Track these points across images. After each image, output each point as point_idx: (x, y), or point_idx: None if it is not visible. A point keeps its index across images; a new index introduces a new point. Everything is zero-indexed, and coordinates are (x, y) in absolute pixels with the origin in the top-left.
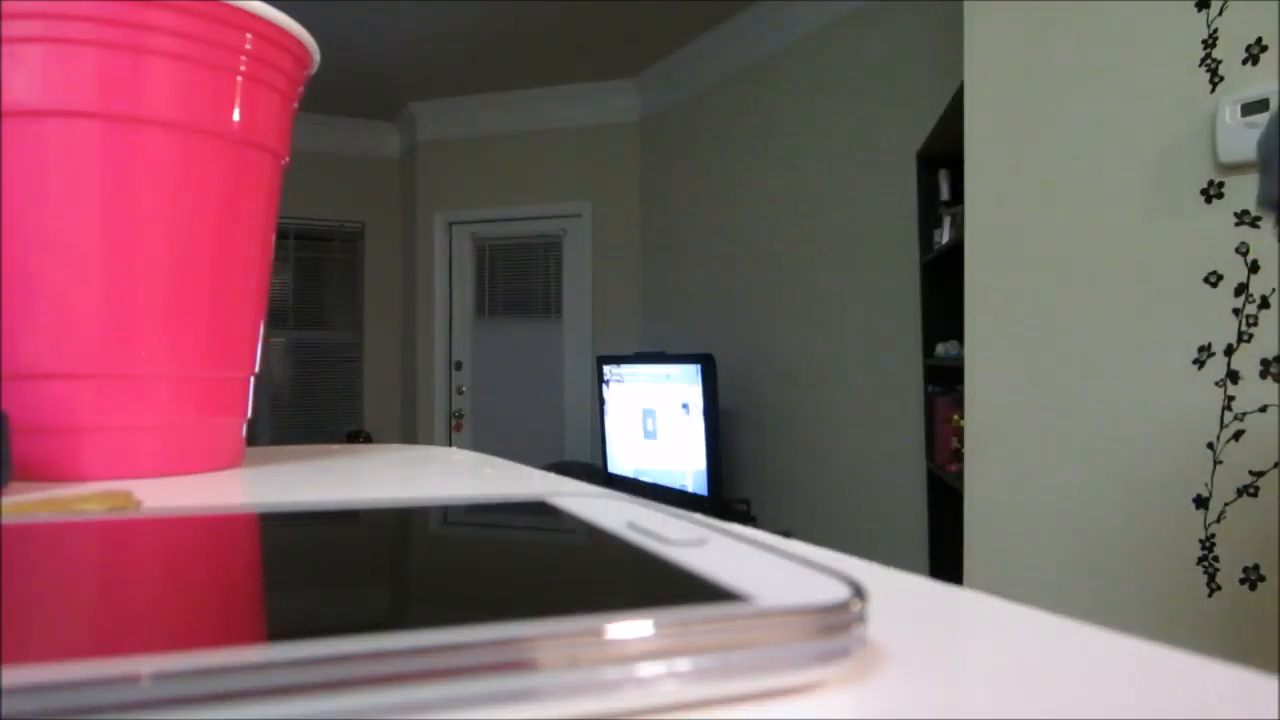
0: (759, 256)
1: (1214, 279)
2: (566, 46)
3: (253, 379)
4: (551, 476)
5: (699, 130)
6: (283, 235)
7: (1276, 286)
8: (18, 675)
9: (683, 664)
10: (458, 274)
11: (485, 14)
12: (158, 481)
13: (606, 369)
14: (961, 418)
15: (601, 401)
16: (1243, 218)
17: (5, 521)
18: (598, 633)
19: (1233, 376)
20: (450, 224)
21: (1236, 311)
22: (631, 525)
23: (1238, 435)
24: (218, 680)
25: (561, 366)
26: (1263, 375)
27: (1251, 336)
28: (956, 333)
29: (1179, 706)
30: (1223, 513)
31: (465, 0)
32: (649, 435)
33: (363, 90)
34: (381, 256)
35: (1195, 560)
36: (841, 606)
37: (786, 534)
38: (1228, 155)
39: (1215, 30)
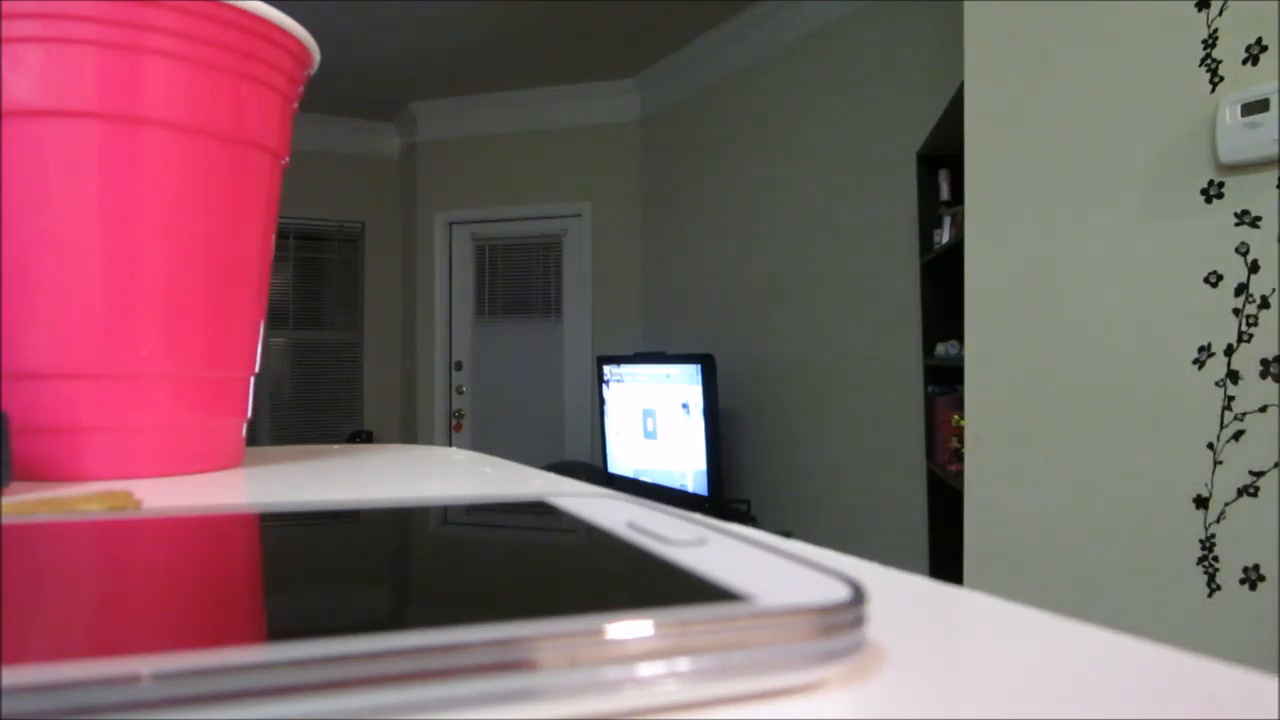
0: (759, 256)
1: (1214, 279)
2: (566, 46)
3: (253, 379)
4: (551, 476)
5: (699, 130)
6: (283, 235)
7: (1276, 286)
8: (18, 675)
9: (683, 664)
10: (458, 274)
11: (485, 14)
12: (158, 481)
13: (606, 369)
14: (961, 418)
15: (601, 401)
16: (1243, 218)
17: (5, 521)
18: (598, 633)
19: (1233, 376)
20: (450, 224)
21: (1236, 311)
22: (631, 525)
23: (1238, 435)
24: (218, 680)
25: (561, 366)
26: (1263, 375)
27: (1251, 336)
28: (956, 333)
29: (1179, 706)
30: (1223, 513)
31: (465, 0)
32: (649, 435)
33: (363, 90)
34: (381, 256)
35: (1195, 560)
36: (841, 606)
37: (786, 534)
38: (1228, 155)
39: (1215, 30)
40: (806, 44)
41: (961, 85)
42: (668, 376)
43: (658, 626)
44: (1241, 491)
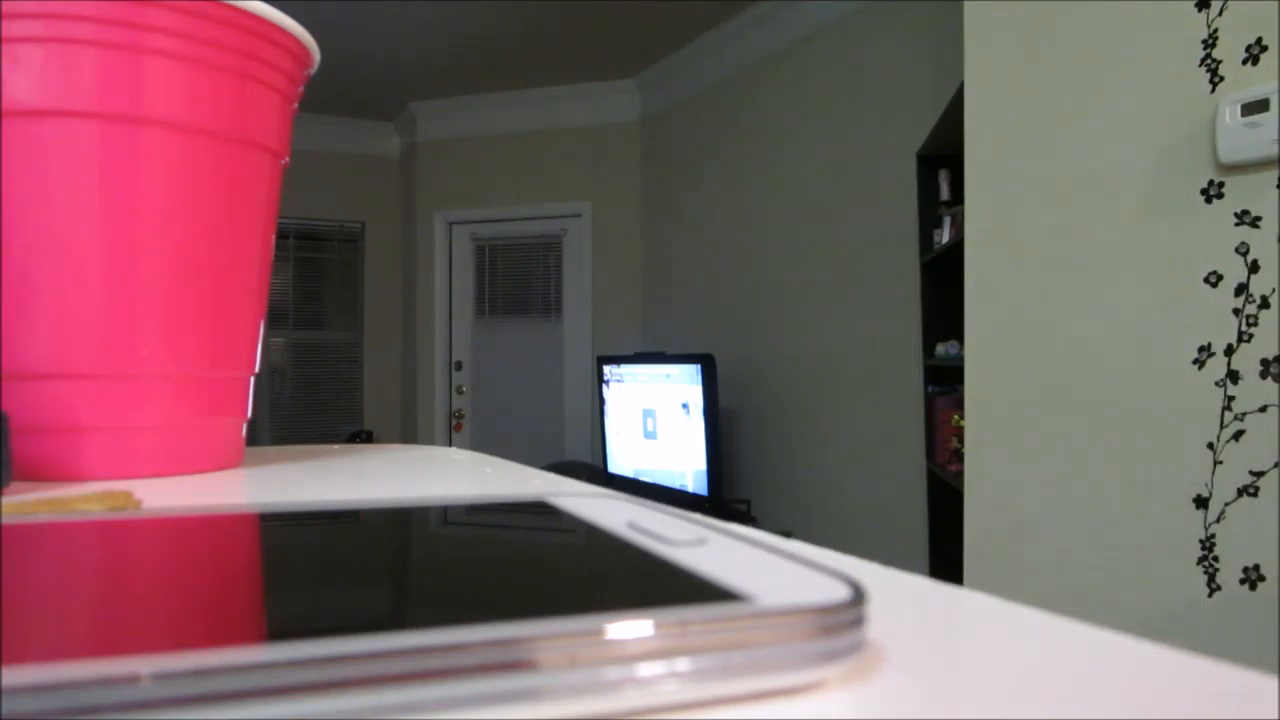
0: (759, 256)
1: (1214, 279)
2: (566, 46)
3: (253, 379)
4: (551, 476)
5: (699, 130)
6: (283, 235)
7: (1276, 286)
8: (18, 675)
9: (683, 664)
10: (458, 274)
11: (485, 14)
12: (158, 481)
13: (606, 369)
14: (961, 418)
15: (601, 401)
16: (1243, 218)
17: (5, 521)
18: (598, 633)
19: (1233, 376)
20: (450, 224)
21: (1236, 311)
22: (631, 525)
23: (1238, 435)
24: (218, 680)
25: (561, 366)
26: (1263, 375)
27: (1251, 336)
28: (956, 333)
29: (1179, 706)
30: (1223, 513)
31: (466, 0)
32: (649, 435)
33: (363, 90)
34: (381, 256)
35: (1195, 560)
36: (841, 606)
37: (786, 534)
38: (1228, 155)
39: (1215, 30)
40: (806, 44)
41: (961, 85)
42: (668, 376)
43: (658, 626)
44: (1241, 491)
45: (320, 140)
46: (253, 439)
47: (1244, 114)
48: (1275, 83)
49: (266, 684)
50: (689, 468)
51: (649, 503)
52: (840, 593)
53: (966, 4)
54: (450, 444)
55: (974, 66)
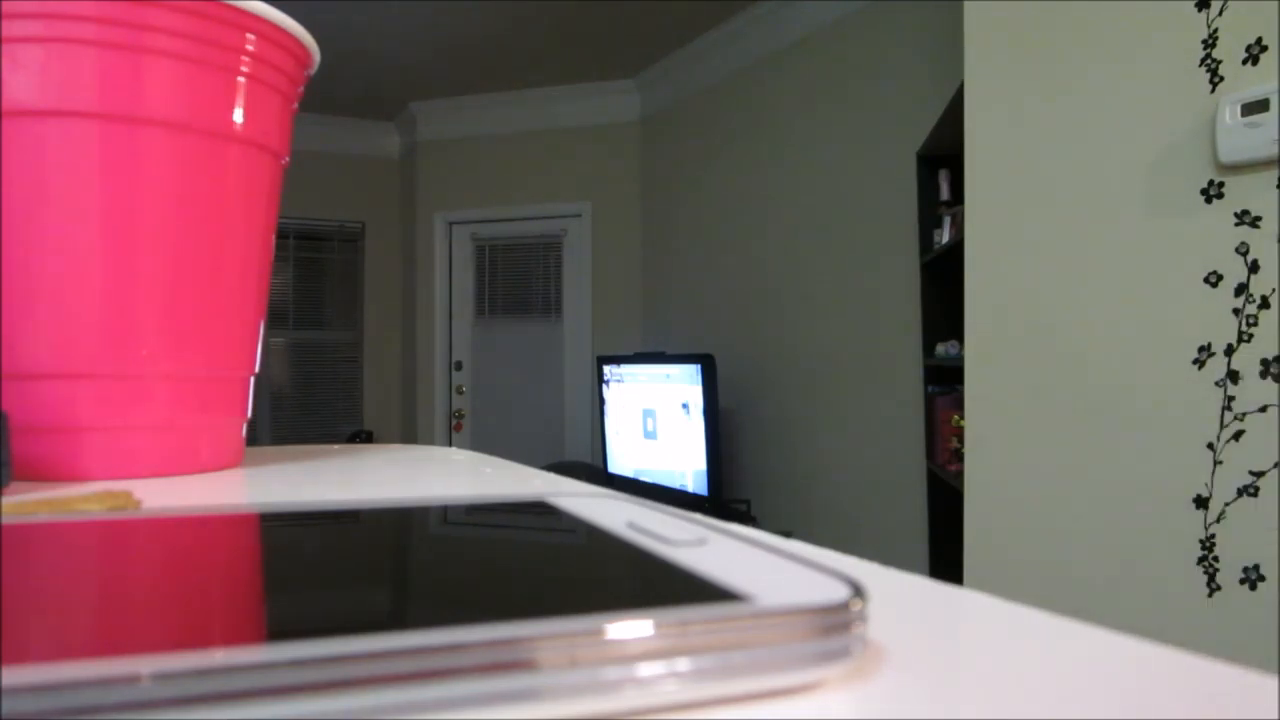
0: (759, 256)
1: (1214, 279)
2: (566, 46)
3: (253, 379)
4: (551, 476)
5: (699, 130)
6: (283, 235)
7: (1276, 286)
8: (18, 675)
9: (683, 664)
10: (458, 274)
11: (485, 14)
12: (158, 481)
13: (606, 369)
14: (961, 418)
15: (601, 401)
16: (1243, 218)
17: (5, 521)
18: (598, 633)
19: (1233, 376)
20: (450, 224)
21: (1236, 311)
22: (631, 525)
23: (1238, 435)
24: (218, 680)
25: (561, 366)
26: (1263, 375)
27: (1251, 336)
28: (956, 333)
29: (1179, 706)
30: (1223, 513)
31: (465, 0)
32: (649, 435)
33: (363, 90)
34: (381, 256)
35: (1195, 560)
36: (842, 606)
37: (786, 534)
38: (1228, 155)
39: (1215, 30)
40: (806, 44)
41: (961, 85)
42: (668, 376)
43: (658, 626)
44: (1241, 491)
45: (320, 140)
46: (253, 439)
47: (1244, 114)
48: (1275, 83)
49: (266, 684)
50: (689, 468)
51: (649, 503)
52: (840, 593)
53: (966, 4)
54: (450, 444)
55: (974, 66)
